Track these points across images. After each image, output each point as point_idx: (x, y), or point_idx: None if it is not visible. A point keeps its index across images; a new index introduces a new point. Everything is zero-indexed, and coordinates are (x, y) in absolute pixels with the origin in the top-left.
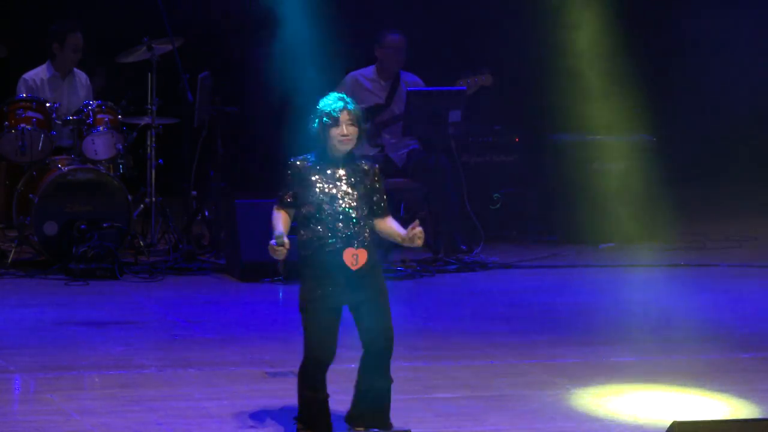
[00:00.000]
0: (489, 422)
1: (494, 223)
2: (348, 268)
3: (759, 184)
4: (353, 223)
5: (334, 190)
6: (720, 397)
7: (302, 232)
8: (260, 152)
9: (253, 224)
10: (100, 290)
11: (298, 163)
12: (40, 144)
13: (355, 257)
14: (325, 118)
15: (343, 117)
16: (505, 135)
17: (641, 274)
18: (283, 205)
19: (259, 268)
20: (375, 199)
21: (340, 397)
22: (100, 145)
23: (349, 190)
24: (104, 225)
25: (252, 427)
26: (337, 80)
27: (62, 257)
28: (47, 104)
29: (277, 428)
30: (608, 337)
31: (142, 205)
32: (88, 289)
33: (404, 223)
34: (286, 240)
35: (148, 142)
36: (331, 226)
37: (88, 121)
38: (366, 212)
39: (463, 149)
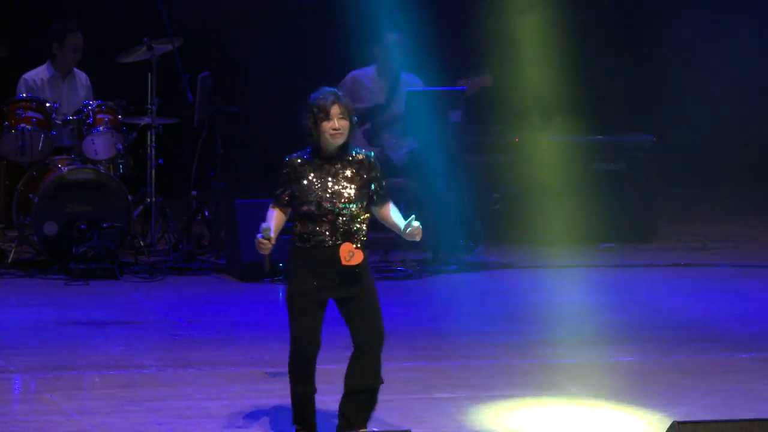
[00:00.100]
0: (489, 422)
1: (494, 223)
2: (339, 263)
3: (759, 184)
4: (352, 219)
5: (333, 186)
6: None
7: (299, 225)
8: (260, 152)
9: (253, 224)
10: (100, 290)
11: (294, 160)
12: (40, 144)
13: (350, 254)
14: (316, 112)
15: (334, 111)
16: (505, 135)
17: (641, 274)
18: (280, 204)
19: (259, 268)
20: (373, 187)
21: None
22: (100, 145)
23: (347, 185)
24: (104, 225)
25: (252, 427)
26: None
27: (62, 257)
28: (47, 104)
29: (277, 428)
30: (608, 337)
31: (142, 205)
32: (88, 289)
33: None
34: (272, 234)
35: (148, 142)
36: (330, 222)
37: (88, 121)
38: (365, 205)
39: (463, 149)
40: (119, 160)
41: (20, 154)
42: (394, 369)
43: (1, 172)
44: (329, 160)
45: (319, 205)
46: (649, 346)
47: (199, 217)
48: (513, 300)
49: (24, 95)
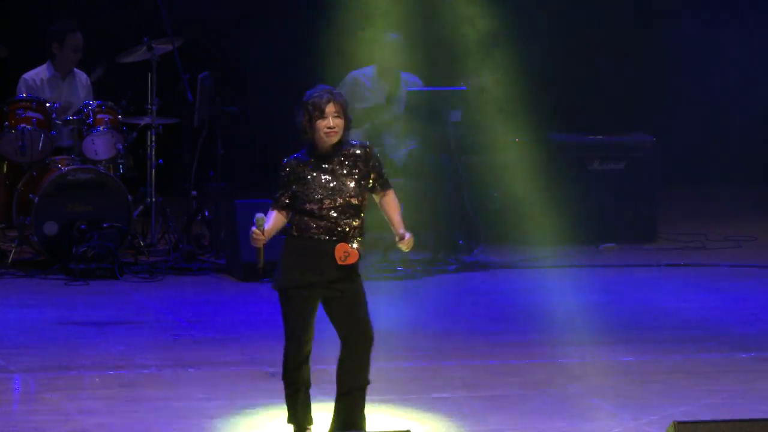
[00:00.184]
0: (489, 422)
1: (494, 223)
2: (334, 261)
3: (759, 184)
4: (351, 217)
5: (332, 182)
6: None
7: (297, 220)
8: (260, 152)
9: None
10: (100, 290)
11: (291, 162)
12: (40, 144)
13: (346, 254)
14: (311, 110)
15: (329, 109)
16: (505, 135)
17: (641, 274)
18: (279, 206)
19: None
20: (372, 177)
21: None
22: (100, 145)
23: (346, 180)
24: (104, 225)
25: (252, 427)
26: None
27: (62, 257)
28: (47, 104)
29: (277, 428)
30: (608, 337)
31: (142, 205)
32: (88, 289)
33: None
34: (267, 227)
35: (148, 142)
36: (329, 220)
37: (88, 121)
38: (365, 198)
39: (463, 149)
40: (119, 160)
41: (20, 154)
42: (394, 369)
43: (1, 172)
44: (326, 158)
45: (320, 202)
46: (649, 346)
47: (199, 217)
48: (513, 300)
49: (24, 95)
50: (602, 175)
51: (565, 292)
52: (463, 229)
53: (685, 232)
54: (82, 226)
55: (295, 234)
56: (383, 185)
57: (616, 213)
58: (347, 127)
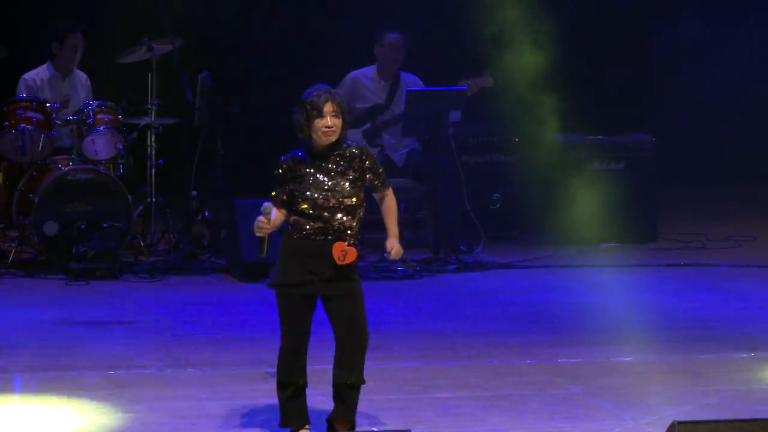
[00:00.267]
0: (489, 422)
1: (494, 223)
2: (330, 260)
3: (759, 184)
4: (348, 216)
5: (329, 182)
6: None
7: (293, 220)
8: (260, 152)
9: (253, 224)
10: (100, 290)
11: (288, 159)
12: (40, 144)
13: (344, 253)
14: (309, 109)
15: (327, 108)
16: (505, 135)
17: (641, 274)
18: (277, 204)
19: (259, 268)
20: (369, 176)
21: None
22: (100, 145)
23: (343, 180)
24: (104, 225)
25: (252, 427)
26: (337, 80)
27: (62, 257)
28: (47, 104)
29: (277, 428)
30: (608, 337)
31: (142, 205)
32: (88, 289)
33: (404, 224)
34: (273, 216)
35: (148, 142)
36: (325, 220)
37: (88, 121)
38: (362, 198)
39: (463, 149)
40: (119, 160)
41: (20, 154)
42: (394, 369)
43: (1, 172)
44: (323, 157)
45: (315, 201)
46: (649, 346)
47: (199, 217)
48: (513, 300)
49: (24, 95)
50: (602, 175)
51: (565, 292)
52: (463, 229)
53: (685, 232)
54: (82, 226)
55: (291, 234)
56: (382, 184)
57: (616, 213)
58: (345, 127)
